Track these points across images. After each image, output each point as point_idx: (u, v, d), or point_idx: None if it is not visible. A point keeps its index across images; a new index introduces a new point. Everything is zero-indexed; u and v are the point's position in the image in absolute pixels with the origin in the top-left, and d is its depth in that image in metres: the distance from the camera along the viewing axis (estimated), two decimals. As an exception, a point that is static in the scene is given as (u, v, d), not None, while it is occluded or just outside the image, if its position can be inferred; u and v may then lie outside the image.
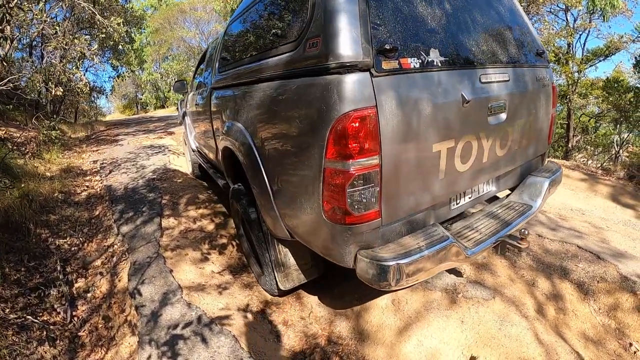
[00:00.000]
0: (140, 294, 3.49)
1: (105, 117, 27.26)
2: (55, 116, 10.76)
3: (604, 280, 3.56)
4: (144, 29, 27.40)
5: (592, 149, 15.10)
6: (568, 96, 13.71)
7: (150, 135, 12.12)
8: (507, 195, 3.23)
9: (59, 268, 4.23)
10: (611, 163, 12.50)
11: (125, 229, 4.94)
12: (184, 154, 8.29)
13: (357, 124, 1.84)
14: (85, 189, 6.87)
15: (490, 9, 2.77)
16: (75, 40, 8.71)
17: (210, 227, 4.94)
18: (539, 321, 3.12)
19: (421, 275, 2.06)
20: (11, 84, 5.98)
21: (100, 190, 6.72)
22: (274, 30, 2.55)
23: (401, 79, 2.00)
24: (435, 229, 2.29)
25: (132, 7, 14.98)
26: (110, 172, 7.62)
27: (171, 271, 3.84)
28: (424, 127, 2.09)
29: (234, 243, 4.53)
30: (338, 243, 2.08)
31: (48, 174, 7.37)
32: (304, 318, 3.37)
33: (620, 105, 12.13)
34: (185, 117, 6.72)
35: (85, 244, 4.91)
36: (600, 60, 13.33)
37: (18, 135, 8.91)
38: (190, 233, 4.73)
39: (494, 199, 3.31)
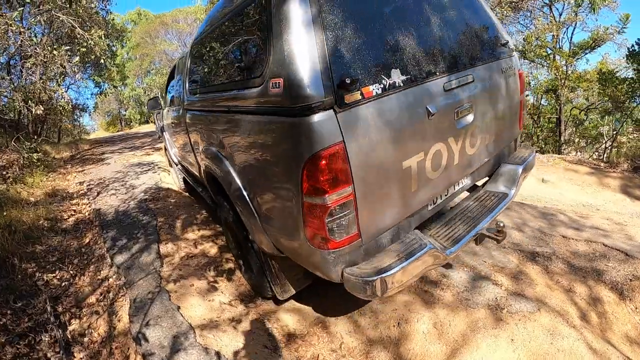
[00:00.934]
0: (147, 339, 3.08)
1: (89, 135, 26.60)
2: (36, 137, 10.32)
3: (637, 279, 3.47)
4: (125, 43, 26.95)
5: (579, 141, 15.16)
6: (558, 90, 13.64)
7: (137, 152, 11.69)
8: (483, 185, 3.27)
9: (49, 309, 3.80)
10: (601, 154, 12.72)
11: (119, 258, 4.53)
12: (169, 169, 8.05)
13: (326, 162, 1.91)
14: (73, 213, 6.42)
15: (447, 11, 2.72)
16: (55, 52, 8.26)
17: (213, 250, 4.57)
18: (586, 329, 2.98)
19: (405, 282, 2.19)
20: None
21: (88, 214, 6.28)
22: (238, 63, 2.59)
23: (365, 108, 2.04)
24: (414, 237, 2.39)
25: (113, 20, 14.51)
26: (98, 194, 7.20)
27: (178, 308, 3.45)
28: (392, 149, 2.17)
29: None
30: (324, 264, 2.18)
31: (32, 199, 6.92)
32: (335, 350, 2.99)
33: (616, 96, 12.15)
34: (164, 132, 6.66)
35: (77, 278, 4.46)
36: (586, 53, 13.32)
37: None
38: (193, 259, 4.36)
39: (472, 187, 3.30)
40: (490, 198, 3.02)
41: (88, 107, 19.07)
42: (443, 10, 2.68)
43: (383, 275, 2.07)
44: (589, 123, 14.95)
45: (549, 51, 13.36)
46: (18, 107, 9.15)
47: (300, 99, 1.89)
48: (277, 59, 2.00)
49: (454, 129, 2.55)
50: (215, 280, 3.97)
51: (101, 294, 4.05)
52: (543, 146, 14.29)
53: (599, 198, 7.01)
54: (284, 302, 3.51)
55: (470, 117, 2.68)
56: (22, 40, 7.76)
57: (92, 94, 20.18)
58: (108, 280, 4.22)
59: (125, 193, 6.92)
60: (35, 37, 8.81)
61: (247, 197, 2.70)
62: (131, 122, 33.15)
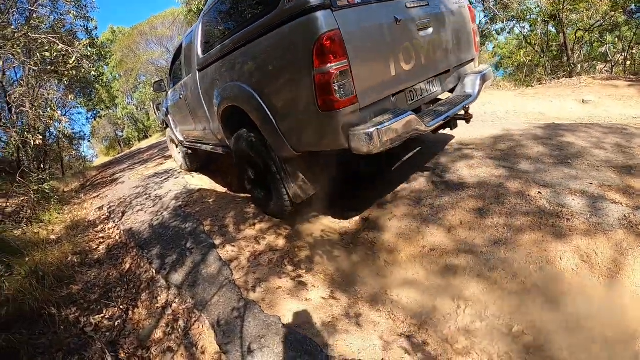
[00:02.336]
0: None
1: (92, 163, 26.01)
2: (40, 171, 9.53)
3: None
4: (107, 63, 26.07)
5: (585, 63, 14.93)
6: (558, 15, 12.88)
7: (149, 164, 10.85)
8: (452, 91, 4.04)
9: (109, 359, 2.97)
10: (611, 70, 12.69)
11: (176, 277, 3.71)
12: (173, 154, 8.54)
13: (329, 40, 2.68)
14: (102, 241, 5.62)
15: None
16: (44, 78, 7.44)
17: (280, 242, 3.82)
18: None
19: (395, 138, 2.86)
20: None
21: (119, 237, 5.48)
22: (254, 7, 3.43)
23: (351, 11, 2.87)
24: (399, 108, 3.14)
25: (96, 36, 13.56)
26: (124, 214, 6.35)
27: (280, 319, 2.68)
28: (373, 40, 2.99)
29: (321, 250, 3.64)
30: (333, 129, 2.88)
31: (53, 237, 6.11)
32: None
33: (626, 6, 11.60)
34: (168, 115, 7.25)
35: (130, 312, 3.65)
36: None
37: (5, 205, 7.62)
38: (262, 257, 3.60)
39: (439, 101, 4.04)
40: (458, 97, 3.85)
41: (85, 135, 18.28)
42: None
43: (379, 127, 2.76)
44: (596, 42, 14.40)
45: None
46: (15, 143, 8.32)
47: (308, 4, 2.70)
48: None
49: (418, 36, 3.35)
50: (298, 275, 3.29)
51: (167, 325, 3.25)
52: (555, 72, 13.69)
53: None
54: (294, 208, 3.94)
55: (430, 30, 3.47)
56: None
57: (87, 119, 19.33)
58: (171, 306, 3.41)
59: (154, 205, 6.08)
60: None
61: (267, 111, 3.43)
62: (130, 141, 32.41)
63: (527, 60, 13.11)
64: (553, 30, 14.49)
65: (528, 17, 13.51)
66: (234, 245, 3.85)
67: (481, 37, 16.44)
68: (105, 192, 8.94)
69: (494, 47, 19.87)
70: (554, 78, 11.51)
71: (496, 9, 12.80)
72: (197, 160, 7.27)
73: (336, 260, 3.42)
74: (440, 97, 3.95)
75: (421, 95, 3.53)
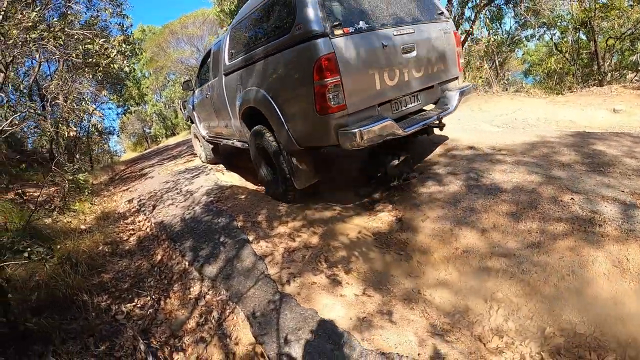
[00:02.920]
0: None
1: (120, 157, 26.44)
2: (72, 165, 9.77)
3: None
4: (139, 60, 26.49)
5: (616, 71, 14.51)
6: (589, 22, 12.63)
7: (178, 160, 10.95)
8: (435, 104, 4.79)
9: (142, 347, 3.04)
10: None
11: (210, 270, 3.78)
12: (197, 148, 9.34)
13: (326, 61, 3.50)
14: (132, 232, 5.74)
15: None
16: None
17: (314, 239, 3.84)
18: None
19: (374, 137, 3.64)
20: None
21: (150, 230, 5.59)
22: (274, 25, 4.25)
23: (345, 39, 3.66)
24: (380, 115, 3.94)
25: (131, 33, 13.82)
26: (154, 207, 6.46)
27: (316, 313, 2.74)
28: (362, 61, 3.77)
29: (355, 249, 3.65)
30: (327, 128, 3.72)
31: (83, 226, 6.26)
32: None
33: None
34: (194, 112, 8.12)
35: (162, 302, 3.73)
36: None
37: (38, 194, 7.82)
38: (296, 253, 3.64)
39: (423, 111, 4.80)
40: (437, 109, 4.63)
41: (115, 130, 18.61)
42: None
43: (361, 129, 3.55)
44: (627, 51, 14.06)
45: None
46: (49, 134, 8.53)
47: (313, 32, 3.55)
48: (301, 14, 3.66)
49: (402, 58, 4.08)
50: (333, 273, 3.30)
51: (201, 316, 3.31)
52: (585, 80, 13.39)
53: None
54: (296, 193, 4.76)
55: (414, 53, 4.20)
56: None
57: (117, 114, 19.71)
58: (204, 297, 3.48)
59: (185, 200, 6.17)
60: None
61: (278, 112, 4.25)
62: (157, 138, 32.84)
63: (558, 68, 12.92)
64: (584, 37, 14.27)
65: (559, 24, 13.33)
66: (267, 241, 3.91)
67: (511, 44, 16.25)
68: (134, 186, 9.09)
69: (523, 54, 19.64)
70: (584, 86, 11.33)
71: (527, 15, 12.67)
72: (218, 154, 8.13)
73: (370, 260, 3.45)
74: (425, 107, 4.79)
75: (405, 106, 4.32)
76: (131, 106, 20.10)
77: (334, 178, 5.75)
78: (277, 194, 4.99)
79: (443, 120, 4.56)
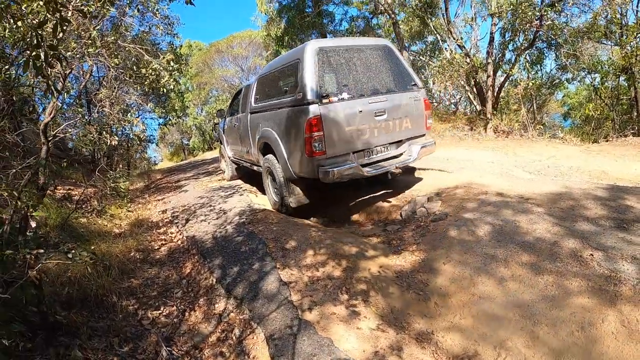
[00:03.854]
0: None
1: (156, 165, 27.08)
2: (111, 170, 10.19)
3: None
4: (183, 75, 27.34)
5: None
6: (630, 68, 12.32)
7: (213, 177, 11.25)
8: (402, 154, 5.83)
9: (164, 353, 3.22)
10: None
11: (236, 289, 3.97)
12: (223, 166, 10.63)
13: (314, 120, 4.89)
14: (164, 243, 6.00)
15: (379, 65, 5.70)
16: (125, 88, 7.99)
17: (338, 272, 3.95)
18: None
19: (344, 176, 5.05)
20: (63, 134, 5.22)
21: (182, 243, 5.83)
22: (284, 88, 5.82)
23: (330, 105, 5.03)
24: (351, 160, 5.27)
25: (180, 52, 14.37)
26: (187, 221, 6.71)
27: (332, 342, 2.87)
28: (341, 122, 5.10)
29: (376, 285, 3.74)
30: (312, 166, 5.10)
31: (117, 230, 6.57)
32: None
33: None
34: (223, 135, 9.64)
35: (187, 314, 3.92)
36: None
37: (76, 193, 8.19)
38: (319, 283, 3.76)
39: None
40: (399, 157, 5.76)
41: (154, 138, 19.16)
42: (376, 65, 5.67)
43: (333, 169, 4.96)
44: None
45: (614, 28, 12.06)
46: (93, 139, 8.91)
47: (307, 100, 4.93)
48: (303, 86, 5.03)
49: (374, 120, 5.37)
50: (352, 305, 3.42)
51: (223, 332, 3.49)
52: (623, 129, 12.99)
53: None
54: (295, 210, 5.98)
55: (384, 116, 5.43)
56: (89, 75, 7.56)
57: (158, 125, 20.31)
58: (228, 314, 3.66)
59: (217, 218, 6.40)
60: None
61: (282, 147, 5.68)
62: (194, 150, 33.58)
63: (596, 114, 12.69)
64: (624, 83, 14.01)
65: (599, 68, 13.14)
66: (293, 269, 4.05)
67: (551, 87, 16.11)
68: (169, 197, 9.38)
69: (563, 96, 19.37)
70: (621, 135, 11.12)
71: (566, 59, 12.57)
72: (239, 171, 9.43)
73: (389, 296, 3.55)
74: (395, 155, 5.76)
75: (375, 155, 5.58)
76: (172, 117, 20.64)
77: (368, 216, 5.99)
78: (279, 209, 6.22)
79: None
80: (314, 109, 4.91)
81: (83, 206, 7.51)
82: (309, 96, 4.94)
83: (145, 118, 17.64)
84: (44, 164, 4.38)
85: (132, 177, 14.58)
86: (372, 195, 6.51)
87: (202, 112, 32.81)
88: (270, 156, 6.14)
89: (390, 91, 5.60)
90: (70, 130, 7.32)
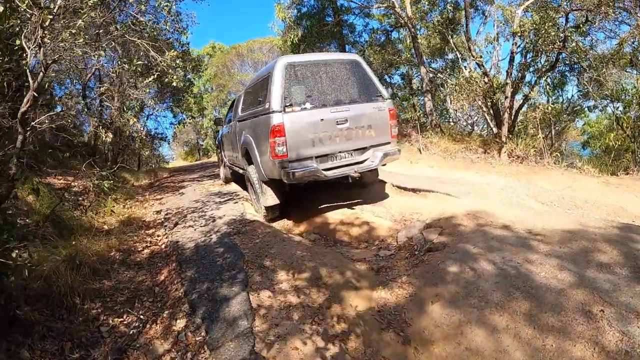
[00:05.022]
0: None
1: (168, 164, 27.11)
2: (114, 165, 9.98)
3: None
4: (201, 75, 27.36)
5: None
6: None
7: (217, 180, 11.14)
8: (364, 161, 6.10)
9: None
10: None
11: (201, 307, 3.64)
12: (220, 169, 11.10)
13: (278, 127, 5.37)
14: (148, 245, 5.78)
15: (345, 79, 6.06)
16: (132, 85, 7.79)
17: (318, 298, 3.63)
18: None
19: (304, 177, 5.44)
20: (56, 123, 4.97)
21: (165, 247, 5.59)
22: (259, 99, 6.21)
23: (293, 114, 5.49)
24: (311, 163, 5.62)
25: (188, 46, 14.20)
26: (176, 224, 6.46)
27: None
28: (303, 129, 5.54)
29: (354, 321, 3.36)
30: (276, 168, 5.52)
31: (106, 227, 6.36)
32: None
33: None
34: (221, 141, 10.16)
35: (148, 326, 3.62)
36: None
37: (76, 184, 8.01)
38: (293, 311, 3.42)
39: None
40: (361, 163, 6.05)
41: (167, 137, 19.07)
42: (342, 77, 6.02)
43: (294, 170, 5.37)
44: None
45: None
46: (90, 132, 8.71)
47: (273, 109, 5.44)
48: (270, 97, 5.52)
49: (336, 128, 5.72)
50: (319, 342, 3.06)
51: (177, 352, 3.18)
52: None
53: None
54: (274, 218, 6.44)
55: (346, 125, 5.79)
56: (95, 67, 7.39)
57: (170, 124, 20.18)
58: (185, 334, 3.34)
59: (205, 225, 6.20)
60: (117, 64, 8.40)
61: (256, 152, 6.18)
62: (208, 151, 33.60)
63: (617, 145, 12.04)
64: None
65: (622, 97, 12.53)
66: (267, 291, 3.72)
67: (571, 113, 15.53)
68: (168, 198, 9.26)
69: (583, 124, 18.69)
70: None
71: (589, 85, 11.98)
72: (233, 176, 9.94)
73: (365, 333, 3.18)
74: (360, 161, 6.04)
75: (339, 160, 5.91)
76: (187, 118, 20.56)
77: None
78: (265, 215, 6.50)
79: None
80: (277, 117, 5.38)
81: (80, 198, 7.33)
82: (274, 106, 5.43)
83: (158, 115, 17.54)
84: (18, 153, 4.12)
85: (140, 173, 14.55)
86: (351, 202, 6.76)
87: (219, 113, 32.81)
88: (251, 166, 6.63)
89: (353, 101, 5.95)
90: (64, 118, 7.12)
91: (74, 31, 4.34)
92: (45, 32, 3.44)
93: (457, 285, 3.54)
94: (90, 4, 5.08)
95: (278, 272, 4.09)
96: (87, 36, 5.37)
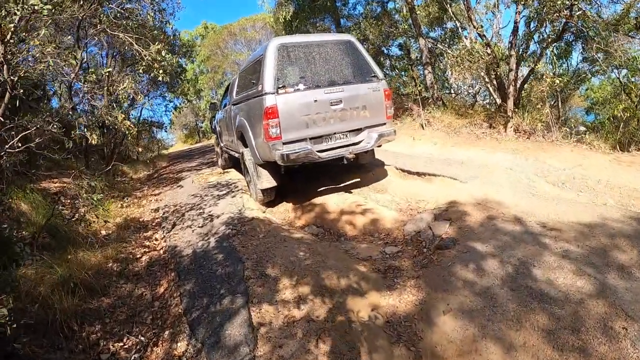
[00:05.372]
0: None
1: (168, 149, 26.98)
2: (109, 163, 9.82)
3: None
4: (195, 59, 26.89)
5: None
6: None
7: (215, 169, 10.99)
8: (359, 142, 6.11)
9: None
10: None
11: (200, 329, 3.45)
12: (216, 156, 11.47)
13: (271, 109, 5.34)
14: (146, 250, 5.57)
15: (339, 59, 6.06)
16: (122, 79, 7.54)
17: (322, 311, 3.42)
18: None
19: (298, 159, 5.47)
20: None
21: (163, 252, 5.40)
22: (252, 81, 6.25)
23: (287, 95, 5.49)
24: (306, 145, 5.62)
25: (176, 33, 13.83)
26: (174, 225, 6.27)
27: None
28: (297, 110, 5.52)
29: (361, 335, 3.17)
30: (270, 150, 5.49)
31: (103, 231, 6.21)
32: None
33: None
34: (216, 126, 10.41)
35: (149, 349, 3.47)
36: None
37: (72, 187, 7.79)
38: (296, 327, 3.23)
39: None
40: (357, 144, 6.06)
41: (164, 124, 18.85)
42: (336, 58, 6.03)
43: (288, 152, 5.42)
44: None
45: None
46: (81, 132, 8.44)
47: (266, 91, 5.45)
48: (263, 79, 5.55)
49: (330, 109, 5.74)
50: None
51: None
52: None
53: None
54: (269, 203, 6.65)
55: (341, 105, 5.80)
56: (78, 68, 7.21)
57: (165, 110, 19.90)
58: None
59: (203, 225, 5.97)
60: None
61: (250, 134, 6.23)
62: (207, 133, 33.45)
63: (625, 116, 11.54)
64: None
65: (631, 64, 12.00)
66: (270, 305, 3.51)
67: (576, 81, 15.09)
68: (166, 192, 9.11)
69: (586, 90, 18.15)
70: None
71: (596, 53, 11.45)
72: (229, 161, 10.07)
73: (374, 350, 3.00)
74: (355, 142, 6.04)
75: (334, 141, 5.91)
76: (182, 102, 20.30)
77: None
78: (262, 200, 6.61)
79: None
80: (270, 99, 5.38)
81: (75, 201, 7.11)
82: (267, 88, 5.43)
83: (152, 104, 17.34)
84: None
85: (139, 165, 14.42)
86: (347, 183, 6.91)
87: (216, 94, 32.39)
88: (246, 150, 6.66)
89: (347, 82, 5.94)
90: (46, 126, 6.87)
91: (37, 42, 4.00)
92: (8, 47, 3.16)
93: (470, 292, 3.35)
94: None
95: (279, 279, 3.89)
96: (59, 44, 5.08)
